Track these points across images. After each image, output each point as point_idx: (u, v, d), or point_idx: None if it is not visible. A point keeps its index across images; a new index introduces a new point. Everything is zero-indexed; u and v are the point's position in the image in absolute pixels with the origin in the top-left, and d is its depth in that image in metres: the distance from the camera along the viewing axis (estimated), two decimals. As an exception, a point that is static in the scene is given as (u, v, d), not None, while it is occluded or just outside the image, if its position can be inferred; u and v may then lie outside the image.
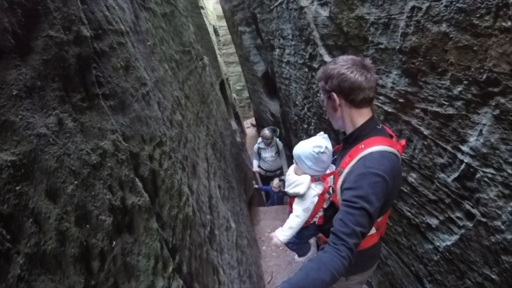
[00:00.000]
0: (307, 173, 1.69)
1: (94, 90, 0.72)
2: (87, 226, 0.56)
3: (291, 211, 1.82)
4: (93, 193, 0.60)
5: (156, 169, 0.92)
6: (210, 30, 7.62)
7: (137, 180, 0.78)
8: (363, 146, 1.16)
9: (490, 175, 1.15)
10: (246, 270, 2.02)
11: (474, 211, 1.26)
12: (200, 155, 1.82)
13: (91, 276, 0.54)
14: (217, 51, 7.93)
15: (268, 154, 4.75)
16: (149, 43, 1.41)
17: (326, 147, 1.57)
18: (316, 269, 0.95)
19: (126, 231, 0.68)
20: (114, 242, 0.62)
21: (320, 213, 1.66)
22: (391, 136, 1.26)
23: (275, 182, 4.64)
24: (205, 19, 6.78)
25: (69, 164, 0.56)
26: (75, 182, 0.56)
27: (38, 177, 0.49)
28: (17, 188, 0.44)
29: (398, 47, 1.49)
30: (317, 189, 1.66)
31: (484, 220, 1.21)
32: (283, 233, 1.73)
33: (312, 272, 0.95)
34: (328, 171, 1.59)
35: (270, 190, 4.91)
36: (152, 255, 0.74)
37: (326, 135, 1.57)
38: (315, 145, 1.62)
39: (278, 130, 4.98)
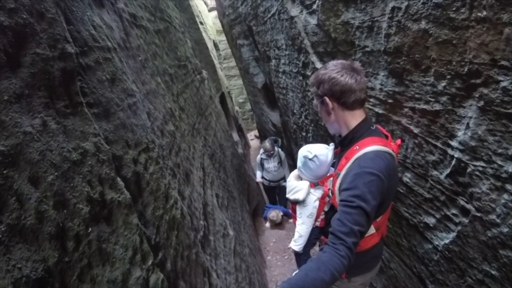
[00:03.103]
0: (299, 172, 1.72)
1: (78, 99, 0.78)
2: (65, 211, 0.63)
3: (294, 217, 1.82)
4: (72, 184, 0.67)
5: (140, 172, 0.96)
6: (210, 44, 7.80)
7: (118, 179, 0.83)
8: (357, 147, 1.18)
9: (480, 168, 1.14)
10: (246, 277, 2.01)
11: (468, 206, 1.25)
12: (195, 164, 1.85)
13: (66, 254, 0.61)
14: (217, 65, 8.08)
15: (271, 165, 4.76)
16: (140, 58, 1.47)
17: (315, 156, 1.58)
18: (316, 269, 0.95)
19: (103, 222, 0.74)
20: (90, 229, 0.68)
21: (322, 216, 1.67)
22: (387, 136, 1.27)
23: (272, 213, 4.65)
24: (204, 34, 6.96)
25: (50, 158, 0.64)
26: (56, 173, 0.64)
27: (23, 166, 0.57)
28: (4, 171, 0.53)
29: (382, 48, 1.52)
30: (317, 193, 1.67)
31: (479, 215, 1.19)
32: (296, 243, 1.76)
33: (311, 272, 0.95)
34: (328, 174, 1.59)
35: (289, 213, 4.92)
36: (130, 246, 0.79)
37: (331, 147, 1.58)
38: (309, 150, 1.64)
39: (279, 140, 5.00)
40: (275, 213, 4.59)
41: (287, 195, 1.80)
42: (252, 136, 11.17)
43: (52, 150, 0.64)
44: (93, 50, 0.93)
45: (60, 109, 0.71)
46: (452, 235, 1.37)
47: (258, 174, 5.02)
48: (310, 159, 1.60)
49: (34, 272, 0.51)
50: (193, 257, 1.14)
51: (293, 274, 1.01)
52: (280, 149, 4.79)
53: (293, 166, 5.08)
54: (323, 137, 2.90)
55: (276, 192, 5.13)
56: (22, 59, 0.65)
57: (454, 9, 1.05)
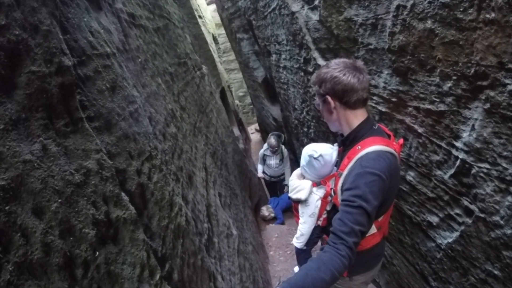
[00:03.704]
0: (302, 171, 1.72)
1: (78, 115, 0.76)
2: (71, 238, 0.61)
3: (296, 216, 1.83)
4: (76, 209, 0.65)
5: (144, 183, 0.95)
6: (209, 38, 7.71)
7: (122, 194, 0.81)
8: (359, 147, 1.18)
9: (485, 170, 1.14)
10: (250, 276, 2.03)
11: (472, 207, 1.25)
12: (198, 165, 1.85)
13: (75, 283, 0.59)
14: (217, 59, 8.00)
15: (273, 161, 4.74)
16: (140, 59, 1.45)
17: (321, 155, 1.58)
18: (316, 269, 0.96)
19: (110, 242, 0.73)
20: (97, 252, 0.66)
21: (324, 215, 1.68)
22: (389, 136, 1.27)
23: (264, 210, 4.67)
24: (203, 28, 6.87)
25: (53, 185, 0.61)
26: (59, 200, 0.61)
27: (25, 198, 0.55)
28: (7, 208, 0.50)
29: (387, 46, 1.49)
30: (319, 193, 1.67)
31: (482, 215, 1.19)
32: (298, 240, 1.79)
33: (311, 272, 0.95)
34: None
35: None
36: (138, 263, 0.78)
37: (336, 147, 1.58)
38: (314, 149, 1.64)
39: (283, 135, 4.96)
40: (265, 210, 4.62)
41: (290, 194, 1.81)
42: (252, 129, 11.15)
43: (54, 175, 0.62)
44: (92, 59, 0.91)
45: (60, 129, 0.69)
46: (456, 234, 1.37)
47: (260, 168, 5.01)
48: (315, 158, 1.60)
49: None
50: (199, 263, 1.15)
51: (294, 269, 1.02)
52: (283, 146, 4.75)
53: (294, 160, 5.08)
54: (325, 133, 2.89)
55: (277, 187, 5.14)
56: (17, 80, 0.60)
57: (461, 9, 1.03)
